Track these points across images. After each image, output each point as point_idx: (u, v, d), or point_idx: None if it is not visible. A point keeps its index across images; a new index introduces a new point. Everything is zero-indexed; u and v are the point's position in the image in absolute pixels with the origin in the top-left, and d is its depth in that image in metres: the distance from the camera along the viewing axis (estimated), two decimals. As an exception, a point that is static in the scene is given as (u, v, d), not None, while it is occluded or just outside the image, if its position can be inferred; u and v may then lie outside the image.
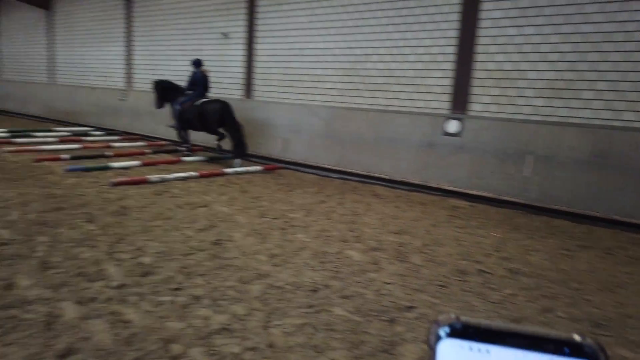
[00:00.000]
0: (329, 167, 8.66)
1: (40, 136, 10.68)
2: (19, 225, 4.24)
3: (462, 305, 3.24)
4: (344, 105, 8.83)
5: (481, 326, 0.33)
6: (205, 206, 5.56)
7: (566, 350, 0.31)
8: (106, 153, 8.78)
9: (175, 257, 3.74)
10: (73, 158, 8.10)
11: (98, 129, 13.10)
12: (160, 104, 9.70)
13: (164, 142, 11.20)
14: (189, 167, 8.23)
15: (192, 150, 9.76)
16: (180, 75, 11.64)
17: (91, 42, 14.41)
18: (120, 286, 3.08)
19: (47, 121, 15.50)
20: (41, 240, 3.87)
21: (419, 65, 7.86)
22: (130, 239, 4.11)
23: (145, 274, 3.31)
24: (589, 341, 0.32)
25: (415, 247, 4.51)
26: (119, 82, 13.51)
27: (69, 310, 2.67)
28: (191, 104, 9.15)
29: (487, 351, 0.32)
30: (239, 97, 10.53)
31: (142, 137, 11.88)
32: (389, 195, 7.14)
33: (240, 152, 8.78)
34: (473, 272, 3.92)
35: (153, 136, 11.87)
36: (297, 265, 3.77)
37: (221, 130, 8.97)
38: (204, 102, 9.01)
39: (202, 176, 7.37)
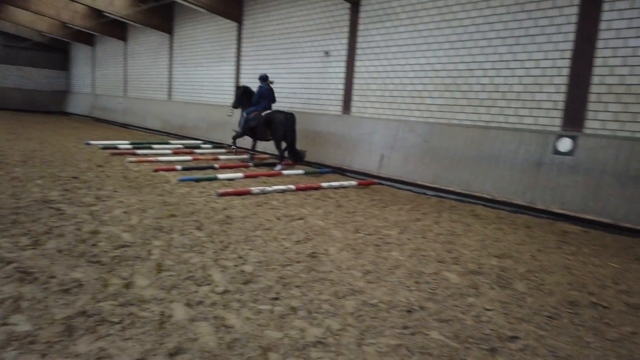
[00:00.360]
0: (425, 184, 8.46)
1: (157, 148, 11.76)
2: (138, 230, 4.68)
3: (573, 340, 2.96)
4: (443, 121, 8.61)
5: None
6: (301, 219, 5.71)
7: None
8: (214, 165, 9.40)
9: (274, 267, 3.87)
10: (185, 169, 8.79)
11: (207, 142, 14.10)
12: (237, 104, 10.72)
13: (265, 156, 11.73)
14: (287, 180, 8.52)
15: (253, 158, 10.78)
16: (285, 93, 12.18)
17: (205, 62, 15.63)
18: (224, 292, 3.25)
19: (163, 134, 17.03)
20: (157, 244, 4.24)
21: (528, 80, 7.43)
22: (234, 247, 4.34)
23: (247, 282, 3.47)
24: None
25: (519, 273, 4.22)
26: (227, 98, 14.46)
27: (179, 312, 2.88)
28: (258, 114, 10.07)
29: None
30: (337, 112, 10.74)
31: (246, 151, 12.55)
32: (490, 215, 6.79)
33: (293, 157, 9.93)
34: (586, 304, 3.57)
35: (256, 150, 12.48)
36: (391, 283, 3.72)
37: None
38: (270, 112, 9.93)
39: (299, 189, 7.59)
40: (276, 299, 3.21)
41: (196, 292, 3.22)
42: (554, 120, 7.14)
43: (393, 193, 8.23)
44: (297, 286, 3.48)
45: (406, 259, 4.39)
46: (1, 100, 26.09)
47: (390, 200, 7.44)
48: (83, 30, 20.87)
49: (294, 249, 4.42)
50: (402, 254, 4.56)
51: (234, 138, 10.76)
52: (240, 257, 4.05)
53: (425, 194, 8.33)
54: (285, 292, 3.34)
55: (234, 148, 11.13)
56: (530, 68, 7.40)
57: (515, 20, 7.54)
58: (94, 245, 4.07)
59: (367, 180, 9.11)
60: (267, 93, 10.21)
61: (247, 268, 3.79)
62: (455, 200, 7.86)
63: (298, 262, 4.06)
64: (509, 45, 7.64)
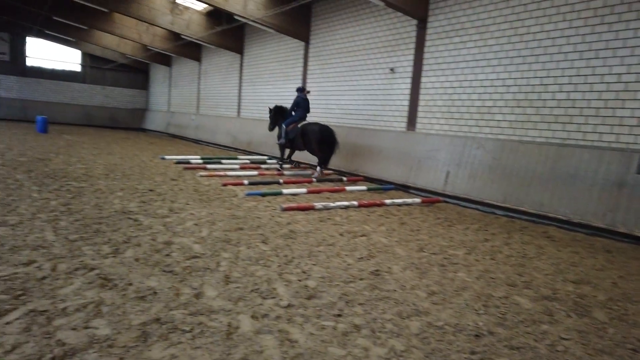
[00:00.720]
0: (494, 203, 8.14)
1: (226, 163, 12.23)
2: (208, 241, 4.88)
3: (664, 379, 2.70)
4: (514, 138, 8.28)
5: None
6: (364, 235, 5.68)
7: None
8: (279, 180, 9.62)
9: (337, 283, 3.88)
10: (251, 183, 9.06)
11: (272, 157, 14.47)
12: (272, 126, 11.69)
13: (328, 172, 11.84)
14: (350, 197, 8.53)
15: (296, 167, 11.91)
16: (349, 109, 12.29)
17: (272, 80, 16.15)
18: (288, 306, 3.30)
19: (232, 150, 17.70)
20: (225, 256, 4.39)
21: (609, 95, 7.00)
22: (297, 261, 4.40)
23: (310, 297, 3.50)
24: None
25: (599, 301, 3.93)
26: (292, 115, 14.81)
27: (245, 323, 2.96)
28: (295, 125, 10.87)
29: None
30: (401, 129, 10.65)
31: (309, 166, 12.74)
32: (565, 238, 6.40)
33: (322, 164, 10.65)
34: (679, 340, 3.26)
35: (291, 160, 12.63)
36: (458, 305, 3.60)
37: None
38: (306, 124, 10.71)
39: (361, 206, 7.57)
40: (339, 315, 3.21)
41: (261, 304, 3.29)
42: (638, 138, 6.65)
43: (459, 212, 7.99)
44: (361, 304, 3.46)
45: (474, 281, 4.24)
46: (88, 117, 28.36)
47: (456, 219, 7.23)
48: (162, 52, 22.31)
49: (356, 266, 4.41)
50: (469, 275, 4.41)
51: (282, 149, 11.44)
52: (304, 272, 4.09)
53: (493, 213, 8.02)
54: (348, 309, 3.33)
55: (282, 162, 11.70)
56: (611, 83, 6.97)
57: (594, 33, 7.15)
58: (167, 255, 4.29)
59: (431, 197, 8.92)
60: (302, 102, 11.02)
61: (311, 283, 3.82)
62: (527, 220, 7.49)
63: (361, 279, 4.04)
64: (587, 59, 7.25)
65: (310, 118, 13.81)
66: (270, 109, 11.84)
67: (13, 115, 26.37)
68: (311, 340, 2.81)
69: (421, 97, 10.16)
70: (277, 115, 11.52)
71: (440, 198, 8.88)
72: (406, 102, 10.56)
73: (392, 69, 10.93)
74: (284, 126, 11.08)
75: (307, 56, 14.16)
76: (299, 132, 10.64)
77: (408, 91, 10.51)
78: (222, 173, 10.15)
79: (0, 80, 26.40)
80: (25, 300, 3.08)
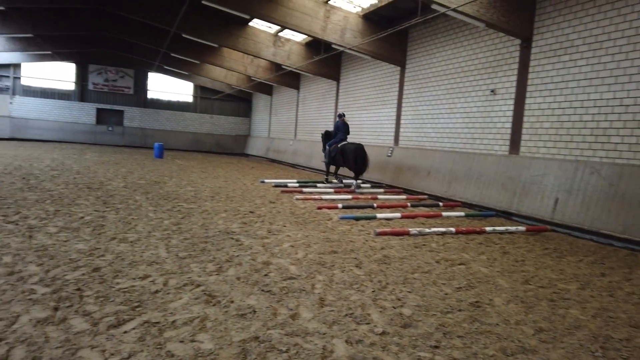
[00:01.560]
0: (612, 233, 7.36)
1: (321, 187, 12.49)
2: (303, 263, 4.99)
3: None
4: (635, 162, 7.48)
5: None
6: (463, 264, 5.44)
7: None
8: (373, 204, 9.60)
9: (434, 313, 3.74)
10: (345, 207, 9.14)
11: (365, 181, 14.50)
12: (324, 148, 13.56)
13: (423, 197, 11.57)
14: (447, 223, 8.24)
15: (340, 181, 13.41)
16: (446, 133, 12.01)
17: (366, 106, 16.32)
18: (383, 333, 3.24)
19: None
20: (319, 279, 4.45)
21: None
22: (392, 288, 4.32)
23: (405, 326, 3.41)
24: None
25: None
26: (387, 139, 14.79)
27: (340, 348, 2.96)
28: (336, 146, 12.66)
29: None
30: (503, 152, 10.13)
31: (404, 191, 12.56)
32: (703, 276, 5.57)
33: (357, 177, 12.23)
34: None
35: (413, 190, 12.42)
36: (570, 345, 3.27)
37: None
38: (344, 143, 12.50)
39: (459, 233, 7.27)
40: (436, 347, 3.08)
41: (355, 330, 3.27)
42: None
43: (570, 242, 7.34)
44: (460, 336, 3.29)
45: (589, 320, 3.84)
46: (197, 143, 30.77)
47: (566, 250, 6.65)
48: (264, 82, 23.67)
49: (455, 296, 4.22)
50: (583, 313, 4.00)
51: (327, 166, 13.52)
52: (399, 299, 4.01)
53: (611, 245, 7.25)
54: (446, 341, 3.18)
55: (326, 176, 13.74)
56: None
57: None
58: (266, 275, 4.45)
59: (537, 226, 8.30)
60: (342, 126, 12.95)
61: (406, 311, 3.72)
62: (653, 254, 6.66)
63: (460, 310, 3.85)
64: None
65: (405, 141, 13.71)
66: (322, 133, 13.87)
67: (135, 142, 29.46)
68: (407, 371, 2.72)
69: (525, 118, 9.61)
70: (326, 138, 13.60)
71: (548, 227, 8.24)
72: (508, 125, 10.05)
73: (493, 91, 10.52)
74: (327, 147, 13.17)
75: (402, 80, 14.14)
76: (339, 151, 12.48)
77: (511, 113, 10.01)
78: (317, 197, 10.37)
79: (125, 112, 29.71)
80: (141, 311, 3.37)
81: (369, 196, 11.02)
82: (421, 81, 13.25)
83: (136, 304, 3.48)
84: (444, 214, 8.96)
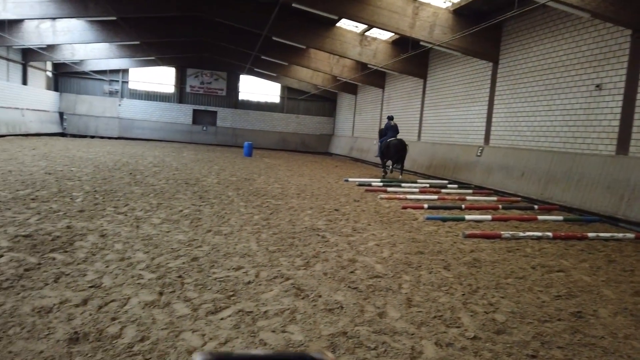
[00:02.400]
0: None
1: (406, 186, 12.30)
2: (389, 262, 4.96)
3: None
4: None
5: (230, 356, 0.33)
6: (562, 271, 5.08)
7: None
8: (461, 206, 9.27)
9: (530, 320, 3.53)
10: (431, 208, 8.92)
11: (452, 182, 14.04)
12: (381, 141, 15.30)
13: (515, 199, 10.96)
14: (543, 227, 7.74)
15: (390, 172, 15.76)
16: (542, 131, 11.30)
17: (455, 104, 15.79)
18: (474, 338, 3.13)
19: (411, 174, 17.73)
20: (406, 279, 4.39)
21: None
22: (483, 292, 4.15)
23: (499, 332, 3.26)
24: (320, 355, 0.36)
25: None
26: (476, 139, 14.20)
27: (429, 350, 2.90)
28: (386, 142, 14.79)
29: None
30: (609, 152, 9.29)
31: (494, 192, 11.98)
32: None
33: (399, 167, 14.94)
34: None
35: (504, 192, 11.81)
36: (692, 368, 2.93)
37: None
38: (389, 140, 14.58)
39: (557, 238, 6.79)
40: (534, 357, 2.91)
41: (445, 332, 3.19)
42: None
43: (690, 253, 6.55)
44: (560, 347, 3.08)
45: None
46: (283, 142, 31.72)
47: (685, 262, 5.94)
48: (349, 81, 23.80)
49: (553, 304, 3.95)
50: None
51: (381, 159, 15.70)
52: (491, 304, 3.84)
53: None
54: (544, 351, 3.00)
55: (383, 167, 15.90)
56: None
57: None
58: (352, 272, 4.49)
59: (650, 234, 7.51)
60: (391, 127, 14.99)
61: (499, 317, 3.56)
62: None
63: (559, 319, 3.60)
64: None
65: (497, 140, 13.09)
66: (379, 130, 15.94)
67: (226, 141, 31.03)
68: (501, 379, 2.61)
69: (636, 116, 8.73)
70: (382, 134, 15.50)
71: (662, 235, 7.42)
72: (616, 123, 9.19)
73: (598, 86, 9.67)
74: (378, 144, 15.59)
75: (495, 77, 13.49)
76: (387, 145, 14.73)
77: (619, 110, 9.14)
78: (401, 196, 10.23)
79: (218, 112, 31.40)
80: (235, 300, 3.55)
81: (457, 197, 10.66)
82: (516, 77, 12.54)
83: (231, 293, 3.68)
84: (540, 217, 8.42)
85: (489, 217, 8.16)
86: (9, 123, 22.00)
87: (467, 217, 8.01)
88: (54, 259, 4.22)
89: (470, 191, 12.10)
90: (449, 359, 2.79)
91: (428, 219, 7.79)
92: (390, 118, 15.33)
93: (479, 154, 13.59)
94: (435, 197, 10.51)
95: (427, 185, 13.17)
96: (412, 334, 3.12)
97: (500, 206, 9.57)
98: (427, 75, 18.11)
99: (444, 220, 7.78)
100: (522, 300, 4.02)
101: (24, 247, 4.47)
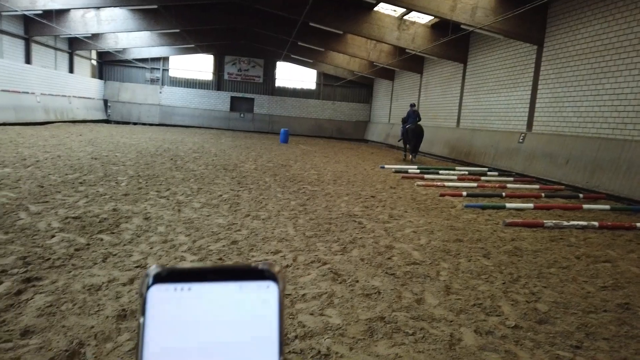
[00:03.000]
0: None
1: (444, 174, 12.10)
2: (427, 250, 4.91)
3: None
4: None
5: (182, 270, 0.35)
6: (608, 262, 4.89)
7: (251, 275, 0.35)
8: (501, 193, 9.05)
9: (574, 311, 3.43)
10: (470, 195, 8.75)
11: (492, 169, 13.70)
12: (403, 127, 16.82)
13: (559, 187, 10.60)
14: (589, 216, 7.47)
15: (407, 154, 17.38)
16: (589, 117, 10.86)
17: (496, 89, 15.33)
18: (515, 327, 3.07)
19: (449, 160, 17.42)
20: (444, 266, 4.35)
21: None
22: (524, 281, 4.06)
23: (541, 322, 3.19)
24: (267, 267, 0.36)
25: None
26: (518, 125, 13.77)
27: (468, 337, 2.87)
28: (406, 128, 16.38)
29: (189, 289, 0.34)
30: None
31: (536, 180, 11.63)
32: None
33: (414, 151, 16.38)
34: None
35: (547, 179, 11.44)
36: None
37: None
38: (408, 126, 16.16)
39: (604, 227, 6.54)
40: (578, 347, 2.84)
41: (485, 320, 3.15)
42: None
43: None
44: (605, 339, 2.99)
45: None
46: (318, 129, 31.73)
47: None
48: (386, 67, 23.48)
49: (599, 295, 3.82)
50: None
51: (403, 144, 17.39)
52: (533, 294, 3.75)
53: None
54: (589, 342, 2.91)
55: (404, 150, 17.69)
56: None
57: None
58: (389, 258, 4.48)
59: None
60: (412, 114, 16.29)
61: (541, 307, 3.47)
62: None
63: (605, 310, 3.49)
64: None
65: (540, 127, 12.69)
66: (403, 118, 17.28)
67: (263, 128, 31.35)
68: (543, 369, 2.56)
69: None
70: (404, 121, 16.97)
71: None
72: (670, 107, 8.70)
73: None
74: (402, 129, 16.93)
75: (539, 60, 12.98)
76: (406, 131, 16.34)
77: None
78: (439, 183, 10.08)
79: (255, 99, 31.70)
80: (274, 283, 3.61)
81: (497, 185, 10.40)
82: (562, 60, 12.04)
83: (269, 276, 3.74)
84: (585, 206, 8.11)
85: (530, 205, 7.93)
86: (57, 110, 22.95)
87: (508, 205, 7.81)
88: (101, 239, 4.41)
89: (511, 179, 11.78)
90: (489, 347, 2.76)
91: (467, 206, 7.65)
92: (412, 105, 16.60)
93: (520, 140, 13.20)
94: (475, 184, 10.30)
95: (466, 172, 12.91)
96: (451, 321, 3.09)
97: (542, 194, 9.28)
98: (467, 60, 17.63)
99: (484, 208, 7.63)
100: (566, 290, 3.90)
101: (73, 228, 4.69)
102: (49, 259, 3.74)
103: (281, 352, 0.35)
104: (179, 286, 0.35)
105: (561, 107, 11.92)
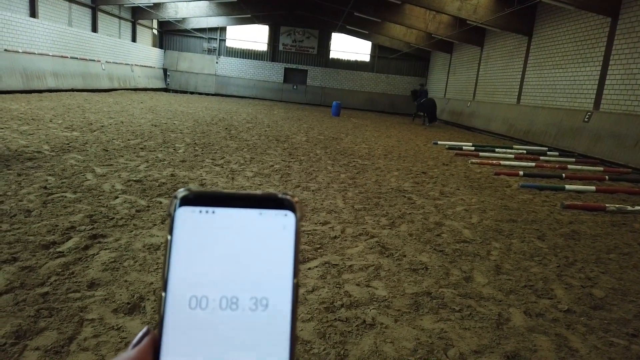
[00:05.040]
0: None
1: (500, 152, 11.68)
2: (478, 228, 4.81)
3: None
4: None
5: (208, 194, 0.37)
6: (676, 252, 4.60)
7: (271, 204, 0.37)
8: (561, 175, 8.65)
9: (633, 299, 3.28)
10: (527, 175, 8.42)
11: (553, 149, 13.07)
12: (414, 100, 21.61)
13: (626, 170, 9.98)
14: (658, 203, 7.01)
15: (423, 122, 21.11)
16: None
17: (563, 64, 14.46)
18: (568, 311, 2.99)
19: (506, 139, 16.75)
20: (495, 246, 4.25)
21: None
22: (580, 266, 3.91)
23: (596, 307, 3.08)
24: (287, 196, 0.38)
25: None
26: (584, 103, 12.98)
27: (517, 318, 2.82)
28: (422, 102, 20.52)
29: (213, 212, 0.37)
30: None
31: (601, 162, 11.00)
32: None
33: (431, 120, 20.60)
34: None
35: (613, 162, 10.79)
36: None
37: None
38: (423, 100, 20.58)
39: (675, 215, 6.12)
40: (634, 335, 2.72)
41: (535, 302, 3.08)
42: None
43: None
44: (666, 330, 2.85)
45: None
46: (371, 103, 31.31)
47: None
48: (444, 39, 22.64)
49: (662, 285, 3.62)
50: None
51: (416, 110, 21.76)
52: (589, 279, 3.61)
53: None
54: (647, 332, 2.79)
55: (415, 116, 22.75)
56: None
57: None
58: (438, 235, 4.43)
59: None
60: (423, 93, 20.99)
61: (597, 292, 3.34)
62: None
63: (668, 302, 3.31)
64: None
65: (610, 105, 11.97)
66: (411, 91, 22.31)
67: (315, 100, 31.33)
68: (595, 354, 2.48)
69: None
70: (414, 94, 21.80)
71: None
72: None
73: None
74: (417, 103, 21.23)
75: (612, 33, 12.07)
76: (421, 104, 20.79)
77: None
78: (495, 162, 9.75)
79: (309, 71, 31.62)
80: (322, 253, 3.68)
81: (557, 165, 9.93)
82: (638, 34, 11.14)
83: (318, 246, 3.82)
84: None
85: (592, 188, 7.55)
86: (120, 78, 23.94)
87: (568, 187, 7.47)
88: (160, 202, 4.63)
89: (573, 159, 11.21)
90: (538, 329, 2.70)
91: (523, 186, 7.38)
92: (422, 85, 22.15)
93: (586, 119, 12.47)
94: (533, 164, 9.89)
95: (524, 151, 12.39)
96: (500, 301, 3.05)
97: (606, 177, 8.78)
98: (532, 32, 16.68)
99: (541, 188, 7.34)
100: (625, 277, 3.72)
101: (135, 191, 4.95)
102: (113, 218, 3.98)
103: (295, 274, 0.37)
104: (204, 209, 0.37)
105: (634, 84, 11.10)
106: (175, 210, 0.37)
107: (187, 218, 0.37)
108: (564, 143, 13.23)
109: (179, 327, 0.35)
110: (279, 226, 0.37)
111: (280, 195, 0.38)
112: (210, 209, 0.37)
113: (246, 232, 0.37)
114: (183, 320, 0.35)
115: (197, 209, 0.37)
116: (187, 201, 0.37)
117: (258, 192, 0.38)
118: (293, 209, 0.38)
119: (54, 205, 4.13)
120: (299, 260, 0.38)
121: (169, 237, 0.37)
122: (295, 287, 0.37)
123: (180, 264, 0.36)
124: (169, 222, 0.37)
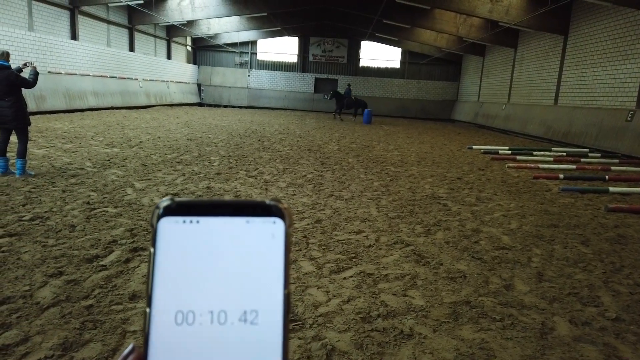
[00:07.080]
0: None
1: (538, 155, 11.35)
2: (517, 234, 4.68)
3: None
4: None
5: (191, 203, 0.36)
6: None
7: (258, 211, 0.36)
8: (605, 177, 8.33)
9: (687, 308, 3.11)
10: (567, 178, 8.15)
11: (594, 150, 12.60)
12: (332, 97, 23.37)
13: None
14: None
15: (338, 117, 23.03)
16: None
17: (602, 62, 13.98)
18: (616, 319, 2.86)
19: (544, 141, 16.27)
20: (536, 252, 4.12)
21: None
22: (628, 271, 3.74)
23: (647, 316, 2.93)
24: (274, 203, 0.36)
25: None
26: (626, 101, 12.49)
27: (562, 327, 2.72)
28: (345, 101, 22.57)
29: (198, 222, 0.35)
30: None
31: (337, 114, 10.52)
32: None
33: (356, 114, 23.12)
34: None
35: (340, 113, 10.29)
36: None
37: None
38: (347, 99, 22.78)
39: None
40: (691, 347, 2.58)
41: (581, 311, 2.96)
42: None
43: None
44: None
45: None
46: (402, 109, 31.07)
47: None
48: (476, 42, 22.29)
49: None
50: None
51: (339, 109, 23.11)
52: (638, 285, 3.45)
53: None
54: None
55: (335, 115, 24.14)
56: None
57: None
58: (475, 242, 4.34)
59: None
60: (348, 92, 23.21)
61: (649, 300, 3.19)
62: None
63: None
64: None
65: None
66: (332, 91, 23.41)
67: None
68: (648, 366, 2.36)
69: None
70: (336, 94, 22.89)
71: None
72: None
73: None
74: (339, 100, 22.86)
75: (654, 28, 11.59)
76: (345, 103, 22.73)
77: None
78: (533, 165, 9.48)
79: (339, 80, 31.70)
80: (357, 262, 3.67)
81: (599, 167, 9.56)
82: (682, 27, 10.66)
83: (352, 255, 3.80)
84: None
85: (638, 190, 7.22)
86: (157, 94, 24.69)
87: (612, 189, 7.18)
88: (197, 215, 4.73)
89: (617, 161, 10.77)
90: (585, 339, 2.59)
91: (564, 190, 7.14)
92: (349, 85, 25.41)
93: (629, 118, 11.98)
94: (574, 166, 9.56)
95: (564, 153, 12.00)
96: (543, 309, 2.94)
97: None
98: (568, 31, 16.21)
99: (583, 192, 7.08)
100: (679, 284, 3.53)
101: (172, 204, 5.07)
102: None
103: (286, 285, 0.35)
104: (188, 219, 0.35)
105: (680, 80, 10.60)
106: (157, 221, 0.35)
107: (171, 229, 0.35)
108: (605, 144, 12.74)
109: (165, 344, 0.34)
110: (267, 234, 0.36)
111: (267, 202, 0.36)
112: (194, 219, 0.36)
113: (233, 242, 0.36)
114: (169, 337, 0.34)
115: (180, 218, 0.36)
116: (170, 211, 0.36)
117: (244, 199, 0.37)
118: (282, 216, 0.36)
119: (96, 220, 4.29)
120: (290, 269, 0.36)
121: (151, 250, 0.35)
122: (287, 298, 0.35)
123: (164, 277, 0.35)
124: (151, 233, 0.35)
